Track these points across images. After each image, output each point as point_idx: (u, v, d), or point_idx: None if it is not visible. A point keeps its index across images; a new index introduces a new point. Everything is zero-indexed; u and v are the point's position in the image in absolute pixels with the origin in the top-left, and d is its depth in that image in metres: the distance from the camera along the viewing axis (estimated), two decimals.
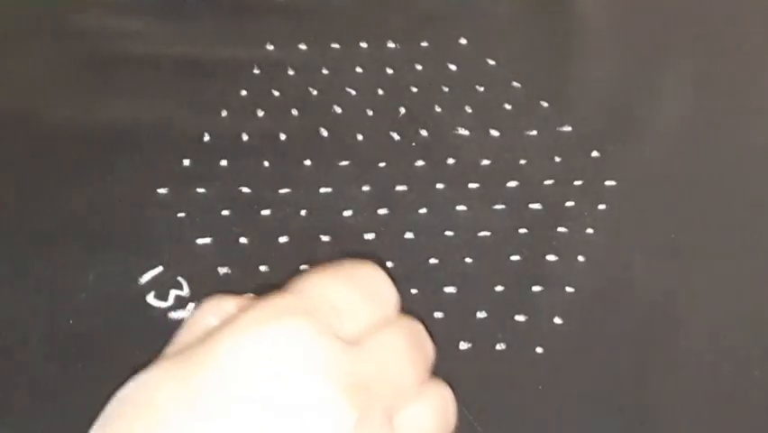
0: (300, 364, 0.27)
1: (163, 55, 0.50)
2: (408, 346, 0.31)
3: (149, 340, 0.40)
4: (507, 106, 0.48)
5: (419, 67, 0.50)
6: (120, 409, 0.28)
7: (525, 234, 0.43)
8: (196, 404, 0.27)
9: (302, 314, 0.28)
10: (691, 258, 0.43)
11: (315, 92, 0.49)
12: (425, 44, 0.51)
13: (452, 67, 0.50)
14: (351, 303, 0.30)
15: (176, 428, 0.26)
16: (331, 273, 0.31)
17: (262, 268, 0.42)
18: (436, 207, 0.44)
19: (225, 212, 0.44)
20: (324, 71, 0.50)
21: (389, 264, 0.42)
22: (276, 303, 0.29)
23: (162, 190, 0.44)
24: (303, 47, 0.51)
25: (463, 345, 0.40)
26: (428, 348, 0.32)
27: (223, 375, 0.27)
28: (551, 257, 0.43)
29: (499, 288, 0.41)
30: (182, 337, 0.30)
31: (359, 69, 0.50)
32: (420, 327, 0.32)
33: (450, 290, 0.41)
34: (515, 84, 0.49)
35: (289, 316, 0.28)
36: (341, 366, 0.28)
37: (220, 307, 0.30)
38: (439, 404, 0.31)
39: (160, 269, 0.42)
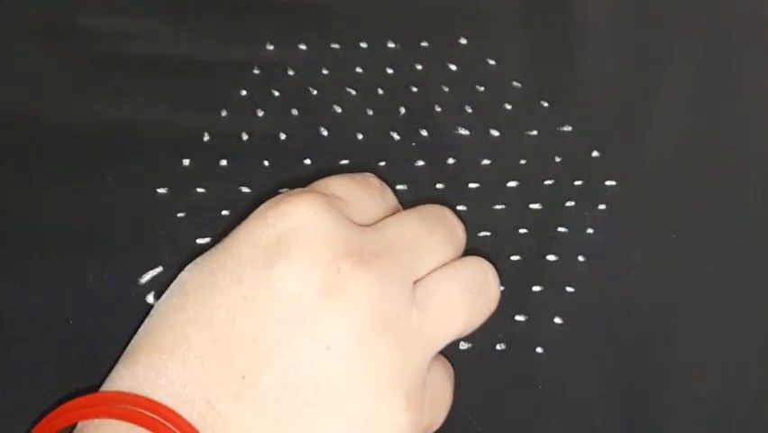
0: (303, 239, 0.29)
1: (163, 55, 0.50)
2: (423, 220, 0.32)
3: None
4: (507, 106, 0.48)
5: (419, 67, 0.50)
6: (158, 303, 0.31)
7: (525, 234, 0.43)
8: (214, 284, 0.29)
9: (310, 196, 0.30)
10: (691, 258, 0.43)
11: (315, 92, 0.49)
12: (425, 44, 0.51)
13: (452, 67, 0.50)
14: (356, 195, 0.33)
15: (199, 305, 0.29)
16: (333, 175, 0.34)
17: None
18: None
19: (225, 212, 0.44)
20: (324, 71, 0.50)
21: None
22: (282, 194, 0.31)
23: (162, 190, 0.44)
24: (303, 47, 0.51)
25: (463, 345, 0.40)
26: (452, 224, 0.33)
27: (234, 257, 0.30)
28: (551, 257, 0.43)
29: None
30: None
31: (359, 69, 0.50)
32: (440, 209, 0.34)
33: None
34: (515, 84, 0.49)
35: (297, 197, 0.30)
36: (348, 238, 0.30)
37: None
38: (470, 275, 0.32)
39: (159, 269, 0.42)
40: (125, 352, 0.30)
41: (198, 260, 0.31)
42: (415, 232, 0.32)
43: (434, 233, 0.32)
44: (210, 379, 0.28)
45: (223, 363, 0.28)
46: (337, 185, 0.33)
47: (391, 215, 0.33)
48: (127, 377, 0.29)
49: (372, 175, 0.35)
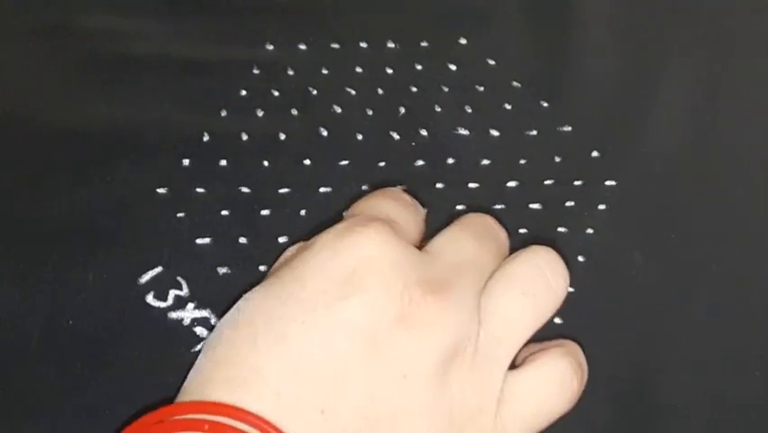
0: (377, 270, 0.29)
1: (163, 55, 0.50)
2: (474, 236, 0.32)
3: (148, 340, 0.40)
4: (507, 106, 0.48)
5: (419, 67, 0.50)
6: (219, 333, 0.29)
7: (525, 234, 0.43)
8: (285, 316, 0.28)
9: (376, 225, 0.30)
10: (691, 258, 0.43)
11: (315, 92, 0.49)
12: (424, 44, 0.51)
13: (452, 67, 0.50)
14: (401, 215, 0.32)
15: (270, 339, 0.28)
16: (375, 196, 0.33)
17: (262, 268, 0.42)
18: (436, 206, 0.44)
19: (225, 212, 0.44)
20: (324, 71, 0.50)
21: None
22: (345, 223, 0.31)
23: (162, 190, 0.44)
24: (303, 47, 0.51)
25: None
26: (497, 233, 0.33)
27: (306, 289, 0.29)
28: None
29: None
30: (276, 266, 0.32)
31: (359, 69, 0.50)
32: (483, 218, 0.34)
33: None
34: (515, 84, 0.49)
35: (364, 227, 0.30)
36: (416, 265, 0.30)
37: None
38: (521, 276, 0.32)
39: (159, 269, 0.42)
40: (189, 384, 0.29)
41: (261, 289, 0.30)
42: (470, 249, 0.32)
43: (486, 245, 0.32)
44: (288, 414, 0.27)
45: (300, 398, 0.27)
46: (384, 207, 0.32)
47: (441, 232, 0.32)
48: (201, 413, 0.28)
49: (401, 189, 0.35)
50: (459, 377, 0.29)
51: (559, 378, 0.31)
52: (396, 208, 0.33)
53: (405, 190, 0.35)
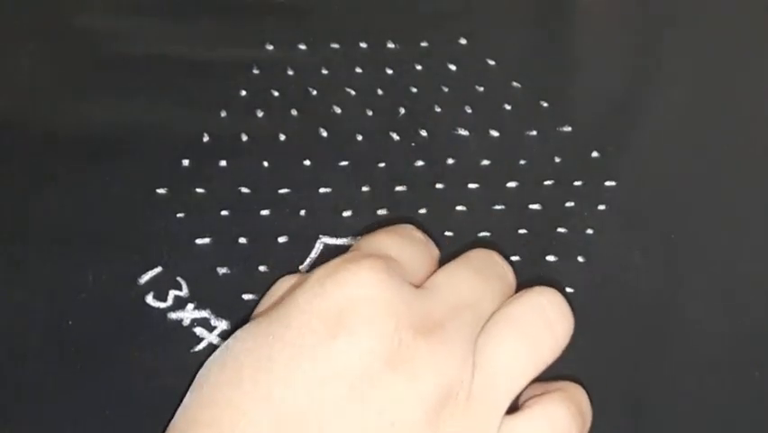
0: (367, 310, 0.28)
1: (163, 55, 0.50)
2: (476, 273, 0.31)
3: (148, 340, 0.40)
4: (507, 106, 0.48)
5: (419, 67, 0.50)
6: (208, 371, 0.29)
7: (525, 234, 0.43)
8: (272, 357, 0.28)
9: (369, 262, 0.29)
10: (691, 258, 0.43)
11: (314, 92, 0.49)
12: (424, 44, 0.51)
13: (452, 67, 0.50)
14: (406, 253, 0.32)
15: (256, 379, 0.27)
16: (381, 232, 0.33)
17: (262, 268, 0.42)
18: (436, 206, 0.44)
19: (225, 212, 0.44)
20: (324, 71, 0.50)
21: None
22: (339, 259, 0.30)
23: (161, 191, 0.44)
24: (303, 47, 0.51)
25: None
26: (503, 271, 0.32)
27: (293, 329, 0.28)
28: (551, 257, 0.43)
29: None
30: (264, 300, 0.32)
31: (359, 69, 0.50)
32: (489, 255, 0.33)
33: None
34: (515, 84, 0.49)
35: (355, 264, 0.29)
36: (410, 305, 0.29)
37: (296, 275, 0.32)
38: (524, 319, 0.31)
39: (159, 269, 0.42)
40: (176, 421, 0.28)
41: (250, 327, 0.29)
42: (471, 287, 0.31)
43: (489, 283, 0.31)
44: None
45: None
46: (387, 244, 0.32)
47: (442, 268, 0.32)
48: None
49: (413, 227, 0.34)
50: (451, 422, 0.28)
51: (556, 426, 0.30)
52: (401, 246, 0.32)
53: (418, 228, 0.34)
